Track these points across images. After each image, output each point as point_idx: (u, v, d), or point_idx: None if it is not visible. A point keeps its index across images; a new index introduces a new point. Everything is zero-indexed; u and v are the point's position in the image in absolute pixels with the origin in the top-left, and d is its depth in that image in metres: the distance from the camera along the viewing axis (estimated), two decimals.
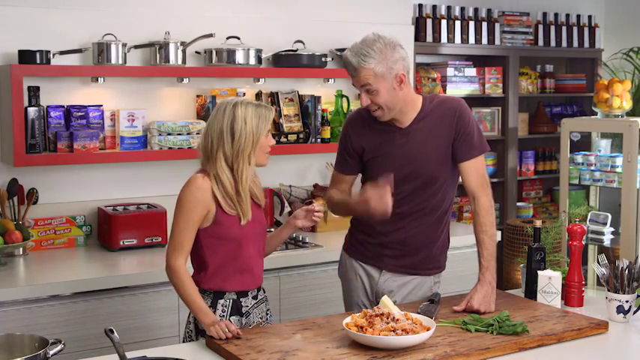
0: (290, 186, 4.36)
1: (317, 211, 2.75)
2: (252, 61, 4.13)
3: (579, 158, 5.07)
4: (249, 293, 2.67)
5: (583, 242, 2.91)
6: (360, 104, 2.79)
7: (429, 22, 5.24)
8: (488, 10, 5.54)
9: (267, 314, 2.75)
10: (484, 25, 5.48)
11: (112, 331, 2.22)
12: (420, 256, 2.88)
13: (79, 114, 3.77)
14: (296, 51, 4.30)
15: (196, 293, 2.56)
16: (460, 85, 5.39)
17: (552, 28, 5.83)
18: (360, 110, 2.93)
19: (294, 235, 3.95)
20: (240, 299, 2.65)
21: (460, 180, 2.90)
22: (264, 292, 2.77)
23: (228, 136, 2.57)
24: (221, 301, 2.63)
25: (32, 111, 3.62)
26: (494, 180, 5.58)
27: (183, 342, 2.71)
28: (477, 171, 2.83)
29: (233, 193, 2.58)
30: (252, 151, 2.59)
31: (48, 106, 3.73)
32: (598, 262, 2.79)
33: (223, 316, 2.62)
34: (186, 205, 2.56)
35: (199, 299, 2.55)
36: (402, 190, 2.81)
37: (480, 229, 2.82)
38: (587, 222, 4.91)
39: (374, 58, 2.67)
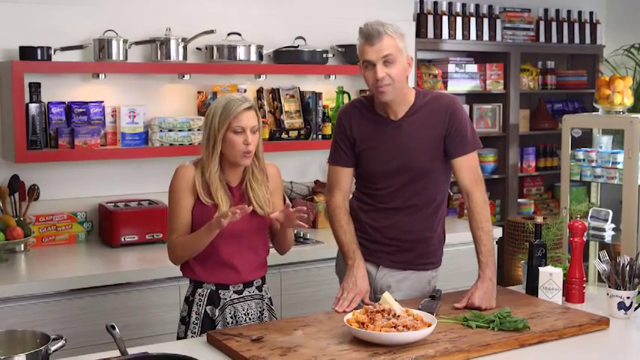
0: (291, 182, 4.36)
1: (300, 212, 2.57)
2: (253, 57, 4.13)
3: (580, 155, 5.06)
4: (230, 287, 2.67)
5: (584, 239, 2.91)
6: (368, 86, 2.77)
7: (430, 18, 5.24)
8: (490, 7, 5.53)
9: (261, 314, 2.73)
10: (485, 21, 5.47)
11: (113, 327, 2.23)
12: (417, 252, 2.88)
13: (80, 110, 3.77)
14: (297, 47, 4.29)
15: (195, 234, 2.58)
16: (461, 81, 5.39)
17: (553, 24, 5.82)
18: (354, 102, 2.94)
19: (295, 231, 3.94)
20: (219, 291, 2.66)
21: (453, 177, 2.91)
22: (260, 291, 2.74)
23: (203, 126, 2.66)
24: (199, 290, 2.67)
25: (33, 107, 3.63)
26: (495, 176, 5.58)
27: (178, 339, 2.72)
28: (469, 167, 2.83)
29: (207, 182, 2.62)
30: (216, 144, 2.59)
31: (49, 103, 3.73)
32: (599, 259, 2.79)
33: (200, 305, 2.65)
34: (174, 193, 2.65)
35: (200, 232, 2.56)
36: (393, 184, 2.82)
37: (475, 226, 2.82)
38: (588, 218, 4.91)
39: (396, 32, 2.70)
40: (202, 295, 2.66)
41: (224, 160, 2.63)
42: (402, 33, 2.74)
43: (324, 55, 4.36)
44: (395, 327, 2.30)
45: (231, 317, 2.66)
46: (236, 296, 2.68)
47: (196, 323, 2.65)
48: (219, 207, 2.59)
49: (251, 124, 2.59)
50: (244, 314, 2.68)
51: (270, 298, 2.80)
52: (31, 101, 3.65)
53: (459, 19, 5.36)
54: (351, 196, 3.00)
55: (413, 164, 2.79)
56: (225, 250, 2.63)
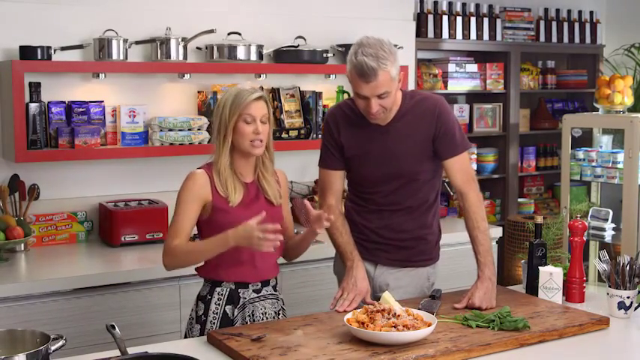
0: (291, 182, 4.36)
1: (327, 219, 2.57)
2: (254, 56, 4.13)
3: (580, 154, 5.06)
4: (249, 285, 2.65)
5: (584, 238, 2.90)
6: (360, 109, 2.73)
7: (431, 17, 5.24)
8: (490, 6, 5.53)
9: (277, 315, 2.70)
10: (485, 20, 5.47)
11: (113, 326, 2.23)
12: (415, 249, 2.89)
13: (80, 110, 3.77)
14: (297, 47, 4.29)
15: (207, 240, 2.54)
16: (461, 80, 5.39)
17: (554, 23, 5.82)
18: (341, 105, 2.91)
19: (295, 231, 3.94)
20: (239, 290, 2.64)
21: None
22: (275, 291, 2.72)
23: (214, 118, 2.65)
24: (218, 289, 2.64)
25: (33, 107, 3.62)
26: (495, 176, 5.58)
27: (185, 337, 2.71)
28: (461, 168, 2.83)
29: (219, 174, 2.60)
30: (227, 135, 2.57)
31: (49, 102, 3.73)
32: (599, 258, 2.79)
33: (219, 304, 2.62)
34: (182, 198, 2.61)
35: (207, 242, 2.53)
36: (386, 189, 2.82)
37: (472, 225, 2.82)
38: (589, 218, 4.91)
39: (389, 60, 2.61)
40: (222, 295, 2.63)
41: (236, 152, 2.62)
42: (395, 53, 2.66)
43: (324, 55, 4.36)
44: (395, 326, 2.30)
45: (250, 317, 2.63)
46: (255, 295, 2.66)
47: (214, 322, 2.62)
48: (229, 197, 2.58)
49: (261, 113, 2.59)
50: (262, 314, 2.66)
51: (282, 299, 2.78)
52: (31, 101, 3.65)
53: (459, 19, 5.36)
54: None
55: (403, 169, 2.79)
56: (245, 247, 2.58)
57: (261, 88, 4.20)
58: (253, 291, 2.66)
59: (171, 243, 2.59)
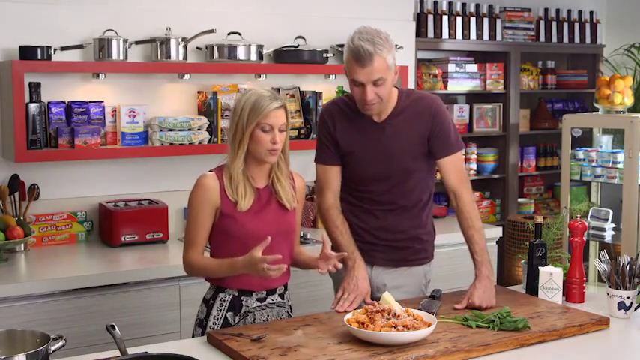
0: None
1: (335, 266, 2.56)
2: (254, 56, 4.13)
3: (580, 154, 5.06)
4: (253, 294, 2.62)
5: (584, 238, 2.90)
6: (355, 99, 2.73)
7: (431, 17, 5.23)
8: (490, 6, 5.53)
9: None
10: (485, 20, 5.47)
11: (113, 327, 2.22)
12: (410, 249, 2.89)
13: (80, 110, 3.77)
14: (297, 47, 4.29)
15: (219, 263, 2.53)
16: (461, 81, 5.39)
17: (554, 24, 5.82)
18: (337, 101, 2.91)
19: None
20: (241, 297, 2.61)
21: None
22: (282, 299, 2.68)
23: (230, 121, 2.59)
24: (221, 295, 2.62)
25: (33, 107, 3.63)
26: (495, 176, 5.58)
27: (193, 336, 2.68)
28: (456, 168, 2.83)
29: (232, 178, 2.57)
30: (243, 141, 2.53)
31: (49, 102, 3.73)
32: (599, 258, 2.79)
33: (220, 310, 2.61)
34: (193, 206, 2.59)
35: (219, 265, 2.53)
36: (380, 187, 2.82)
37: (467, 225, 2.82)
38: (588, 218, 4.91)
39: (385, 48, 2.62)
40: (224, 300, 2.61)
41: (250, 157, 2.57)
42: (392, 43, 2.67)
43: (324, 55, 4.37)
44: (395, 327, 2.30)
45: (252, 324, 2.60)
46: (258, 304, 2.62)
47: (213, 328, 2.60)
48: (238, 203, 2.55)
49: (280, 122, 2.53)
50: (264, 321, 2.62)
51: (290, 306, 2.74)
52: (31, 101, 3.65)
53: (459, 19, 5.36)
54: None
55: (398, 167, 2.79)
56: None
57: None
58: (257, 299, 2.62)
59: (186, 253, 2.61)
